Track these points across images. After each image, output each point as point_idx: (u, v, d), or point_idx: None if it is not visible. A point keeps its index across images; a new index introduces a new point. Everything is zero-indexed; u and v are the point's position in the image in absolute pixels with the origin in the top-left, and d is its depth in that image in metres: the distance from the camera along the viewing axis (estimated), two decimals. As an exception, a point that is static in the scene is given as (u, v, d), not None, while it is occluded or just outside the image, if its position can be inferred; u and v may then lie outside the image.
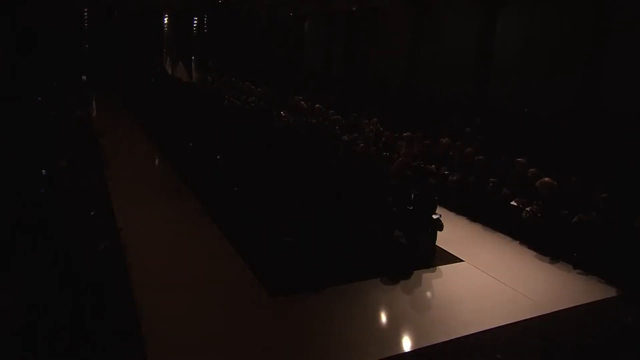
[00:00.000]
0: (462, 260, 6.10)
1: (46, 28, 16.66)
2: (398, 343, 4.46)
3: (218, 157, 8.40)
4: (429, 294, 5.38)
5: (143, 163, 10.47)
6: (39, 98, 11.94)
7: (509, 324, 4.74)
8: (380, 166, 7.55)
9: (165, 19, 25.17)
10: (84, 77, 21.38)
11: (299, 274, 5.42)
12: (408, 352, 4.30)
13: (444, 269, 5.89)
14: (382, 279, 5.48)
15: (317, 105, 12.68)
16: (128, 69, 20.58)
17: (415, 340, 4.51)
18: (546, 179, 6.73)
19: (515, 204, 6.95)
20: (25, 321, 4.03)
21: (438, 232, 6.23)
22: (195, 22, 25.94)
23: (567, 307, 5.10)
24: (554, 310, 5.02)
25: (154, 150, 11.29)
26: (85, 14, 22.48)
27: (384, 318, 4.88)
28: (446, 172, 8.26)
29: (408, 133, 9.29)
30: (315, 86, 16.38)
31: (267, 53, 22.81)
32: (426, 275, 5.72)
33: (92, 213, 5.61)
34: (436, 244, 6.28)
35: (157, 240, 6.23)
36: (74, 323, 4.05)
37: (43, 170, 5.73)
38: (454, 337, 4.47)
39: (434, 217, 6.22)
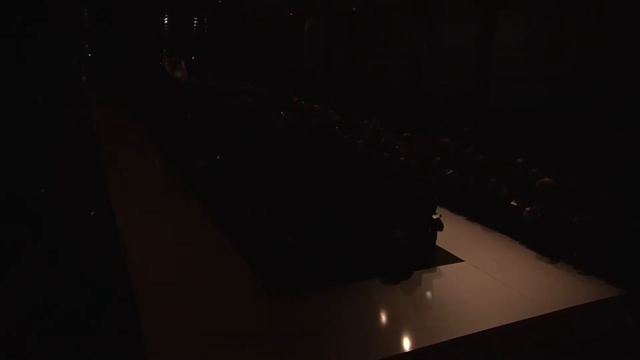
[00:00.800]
0: (462, 260, 6.10)
1: (47, 28, 16.68)
2: (398, 343, 4.46)
3: (218, 157, 8.41)
4: (429, 294, 5.38)
5: (143, 163, 10.46)
6: (39, 98, 11.95)
7: (509, 324, 4.74)
8: (380, 166, 7.55)
9: (165, 19, 25.18)
10: (84, 77, 21.39)
11: (299, 274, 5.42)
12: (408, 352, 4.30)
13: (444, 269, 5.89)
14: (382, 279, 5.48)
15: (317, 105, 12.69)
16: (128, 69, 20.58)
17: (415, 340, 4.51)
18: (546, 179, 6.74)
19: (515, 204, 6.96)
20: (25, 321, 4.03)
21: (438, 232, 6.24)
22: (195, 22, 25.95)
23: (567, 307, 5.10)
24: (554, 310, 5.02)
25: (154, 150, 11.29)
26: (86, 13, 22.49)
27: (384, 318, 4.88)
28: (446, 173, 8.26)
29: (408, 133, 9.29)
30: (316, 86, 16.40)
31: (267, 53, 22.81)
32: (426, 275, 5.72)
33: (92, 213, 5.62)
34: (436, 244, 6.28)
35: (157, 240, 6.22)
36: (74, 323, 4.05)
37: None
38: (454, 337, 4.47)
39: (434, 217, 6.22)
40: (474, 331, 4.58)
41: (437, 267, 5.91)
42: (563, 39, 9.58)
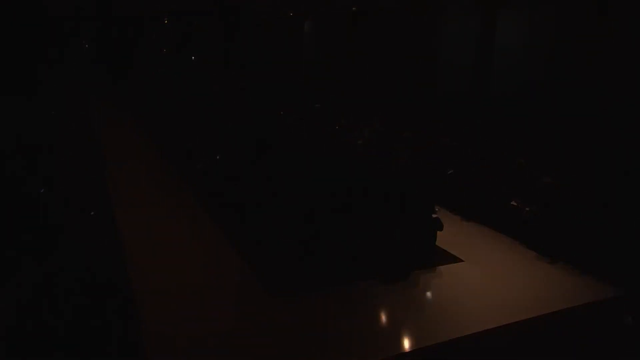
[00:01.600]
0: (462, 260, 6.10)
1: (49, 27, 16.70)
2: (398, 343, 4.47)
3: (218, 157, 8.41)
4: (429, 294, 5.38)
5: (143, 163, 10.48)
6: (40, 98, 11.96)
7: (508, 324, 4.74)
8: (380, 166, 7.55)
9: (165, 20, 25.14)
10: (84, 77, 21.39)
11: (299, 274, 5.43)
12: (408, 352, 4.30)
13: (444, 269, 5.89)
14: (382, 279, 5.48)
15: (317, 105, 12.71)
16: (129, 70, 20.59)
17: (415, 340, 4.51)
18: (546, 178, 6.74)
19: (515, 204, 6.96)
20: (24, 321, 4.03)
21: (438, 232, 6.24)
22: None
23: (567, 307, 5.11)
24: (554, 310, 5.02)
25: (155, 150, 11.30)
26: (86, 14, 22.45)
27: (384, 318, 4.88)
28: (446, 173, 8.26)
29: (408, 133, 9.30)
30: (316, 86, 16.41)
31: (268, 53, 22.80)
32: (426, 275, 5.72)
33: (92, 213, 5.62)
34: (436, 244, 6.28)
35: (157, 240, 6.23)
36: (74, 323, 4.05)
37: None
38: (454, 337, 4.47)
39: (434, 217, 6.22)
40: (474, 331, 4.58)
41: (437, 267, 5.91)
42: (563, 38, 9.58)
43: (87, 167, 8.33)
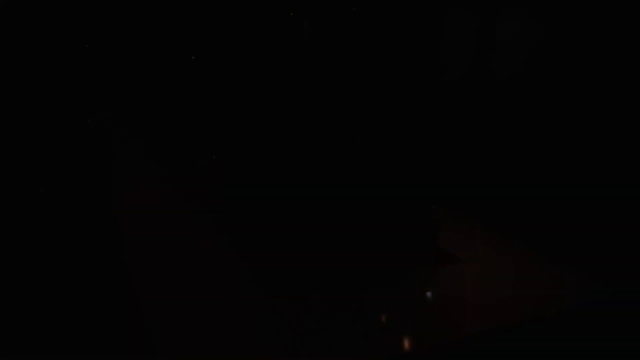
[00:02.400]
0: (462, 260, 6.09)
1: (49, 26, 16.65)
2: (398, 343, 4.46)
3: (214, 156, 8.42)
4: (429, 294, 5.38)
5: (141, 160, 10.47)
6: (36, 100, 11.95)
7: (509, 324, 4.74)
8: (378, 165, 7.54)
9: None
10: (84, 78, 21.35)
11: (299, 274, 5.42)
12: (408, 352, 4.30)
13: (444, 269, 5.88)
14: (382, 279, 5.48)
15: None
16: (128, 69, 20.54)
17: (415, 340, 4.50)
18: (543, 177, 6.74)
19: (513, 203, 6.95)
20: (24, 320, 4.03)
21: (438, 232, 6.23)
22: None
23: (566, 307, 5.10)
24: (554, 310, 5.01)
25: (153, 150, 11.29)
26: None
27: (383, 318, 4.88)
28: (446, 172, 8.26)
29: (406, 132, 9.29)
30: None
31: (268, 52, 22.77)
32: (426, 275, 5.72)
33: (91, 213, 5.62)
34: (436, 244, 6.28)
35: (154, 238, 6.22)
36: (72, 323, 4.06)
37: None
38: (454, 337, 4.47)
39: (433, 216, 6.21)
40: (474, 331, 4.58)
41: (437, 267, 5.91)
42: (564, 38, 9.56)
43: (87, 167, 8.35)
